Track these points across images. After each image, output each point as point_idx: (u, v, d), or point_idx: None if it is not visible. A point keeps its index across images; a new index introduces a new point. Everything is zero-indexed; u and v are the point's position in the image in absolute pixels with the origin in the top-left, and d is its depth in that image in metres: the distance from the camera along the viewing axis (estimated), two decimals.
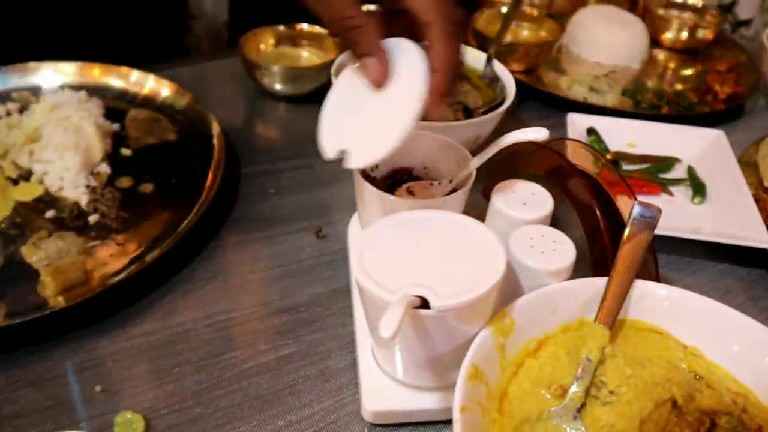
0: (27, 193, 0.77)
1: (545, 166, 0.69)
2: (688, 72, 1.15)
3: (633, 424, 0.50)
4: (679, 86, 1.10)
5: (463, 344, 0.51)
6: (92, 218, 0.74)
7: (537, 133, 0.58)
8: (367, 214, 0.65)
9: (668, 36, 1.18)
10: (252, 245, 0.73)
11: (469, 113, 0.80)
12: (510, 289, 0.58)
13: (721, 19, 1.21)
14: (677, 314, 0.57)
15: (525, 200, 0.63)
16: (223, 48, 2.05)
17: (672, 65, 1.17)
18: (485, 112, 0.80)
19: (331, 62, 0.89)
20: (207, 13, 2.10)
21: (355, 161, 0.55)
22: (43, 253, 0.65)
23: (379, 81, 0.55)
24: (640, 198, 0.76)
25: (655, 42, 1.19)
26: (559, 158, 0.67)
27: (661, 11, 1.23)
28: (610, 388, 0.52)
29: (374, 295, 0.47)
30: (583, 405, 0.51)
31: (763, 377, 0.53)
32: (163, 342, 0.62)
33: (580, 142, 0.71)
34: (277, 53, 1.03)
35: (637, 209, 0.59)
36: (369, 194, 0.61)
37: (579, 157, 0.71)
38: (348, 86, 0.60)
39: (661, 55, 1.19)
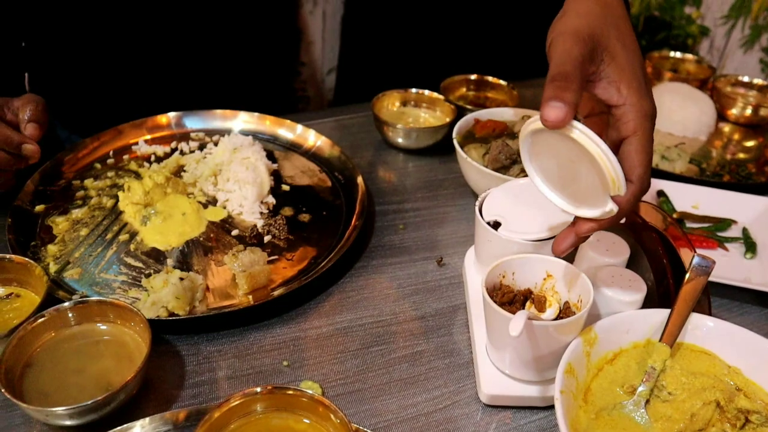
0: (216, 215, 1.01)
1: (627, 222, 0.88)
2: (749, 144, 1.32)
3: (685, 416, 0.68)
4: (740, 155, 1.27)
5: (559, 350, 0.70)
6: (267, 238, 0.97)
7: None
8: (481, 250, 0.86)
9: (733, 112, 1.36)
10: (387, 268, 0.95)
11: None
12: (596, 312, 0.78)
13: None
14: (723, 342, 0.75)
15: (608, 248, 0.83)
16: (325, 94, 2.30)
17: (736, 137, 1.34)
18: None
19: (446, 124, 1.11)
20: (315, 61, 2.37)
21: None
22: (240, 262, 0.88)
23: (556, 123, 0.58)
24: (699, 251, 0.95)
25: (721, 116, 1.36)
26: (635, 216, 0.86)
27: (728, 89, 1.41)
28: (669, 390, 0.71)
29: (501, 314, 0.67)
30: (648, 401, 0.70)
31: None
32: (328, 334, 0.84)
33: (652, 204, 0.89)
34: (400, 112, 1.26)
35: (696, 259, 0.78)
36: (484, 233, 0.82)
37: (650, 215, 0.90)
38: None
39: (726, 128, 1.37)
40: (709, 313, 0.79)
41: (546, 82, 0.60)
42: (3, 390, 0.66)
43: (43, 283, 0.80)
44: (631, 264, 0.84)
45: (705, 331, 0.75)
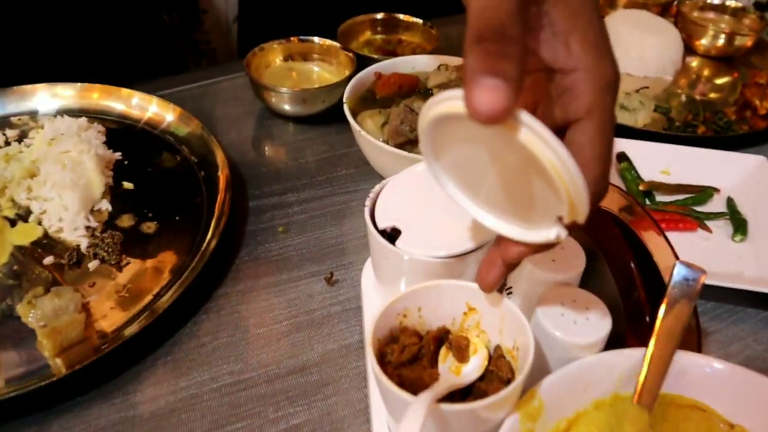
0: (25, 235, 0.74)
1: None
2: (722, 81, 1.08)
3: None
4: (712, 95, 1.03)
5: (490, 430, 0.47)
6: (92, 265, 0.70)
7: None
8: (378, 269, 0.61)
9: (703, 43, 1.11)
10: (259, 294, 0.69)
11: None
12: (538, 360, 0.53)
13: (761, 25, 1.13)
14: (722, 389, 0.52)
15: (554, 255, 0.58)
16: (233, 47, 2.00)
17: (706, 73, 1.10)
18: None
19: (342, 81, 0.84)
20: (218, 7, 2.05)
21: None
22: (40, 312, 0.61)
23: (492, 115, 0.32)
24: (677, 236, 0.71)
25: (688, 48, 1.12)
26: None
27: (695, 14, 1.16)
28: None
29: (396, 395, 0.42)
30: None
31: None
32: (167, 410, 0.58)
33: (613, 185, 0.65)
34: (286, 69, 0.98)
35: (679, 271, 0.54)
36: (379, 247, 0.56)
37: (607, 199, 0.66)
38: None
39: (694, 62, 1.12)
40: (699, 347, 0.56)
41: (467, 41, 0.34)
42: None
43: None
44: (588, 275, 0.60)
45: (696, 376, 0.52)
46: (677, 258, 0.57)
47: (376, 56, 0.93)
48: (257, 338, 0.65)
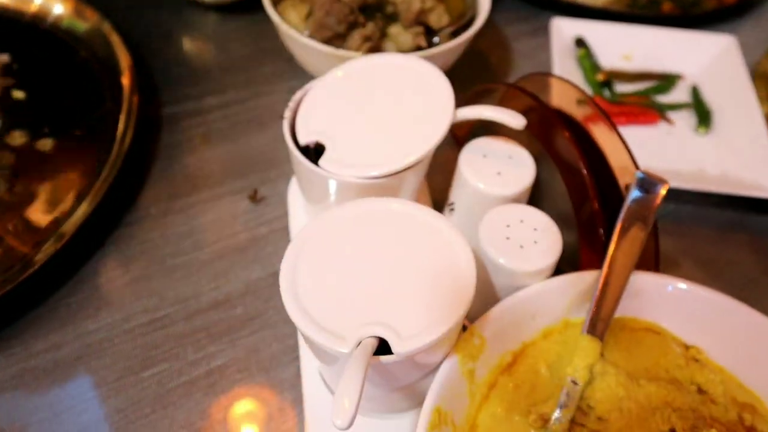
0: None
1: (520, 110, 0.56)
2: None
3: None
4: None
5: (428, 372, 0.42)
6: None
7: (512, 119, 0.45)
8: (304, 189, 0.53)
9: None
10: (176, 217, 0.61)
11: (432, 36, 0.65)
12: (481, 289, 0.48)
13: None
14: (679, 310, 0.48)
15: (500, 168, 0.52)
16: None
17: None
18: (454, 34, 0.65)
19: None
20: None
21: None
22: None
23: None
24: (636, 131, 0.66)
25: None
26: (535, 102, 0.54)
27: None
28: (598, 414, 0.44)
29: (323, 346, 0.36)
30: None
31: None
32: (73, 358, 0.52)
33: (560, 78, 0.57)
34: None
35: (636, 184, 0.48)
36: (301, 168, 0.49)
37: (562, 96, 0.59)
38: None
39: None
40: (656, 265, 0.51)
41: None
42: None
43: None
44: (538, 187, 0.54)
45: (652, 296, 0.48)
46: (633, 160, 0.51)
47: None
48: (174, 269, 0.58)
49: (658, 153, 0.67)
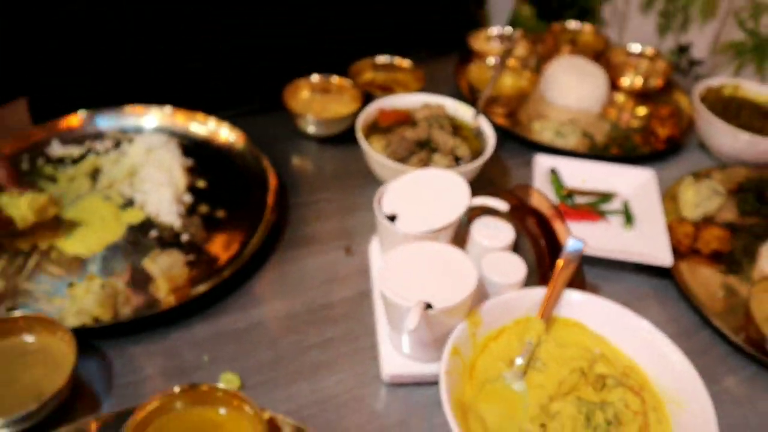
0: (134, 217, 1.06)
1: (510, 205, 0.97)
2: (641, 112, 1.43)
3: (555, 383, 0.78)
4: (634, 123, 1.37)
5: (449, 332, 0.80)
6: (184, 238, 1.02)
7: (499, 205, 0.86)
8: (382, 241, 0.94)
9: (625, 82, 1.46)
10: (299, 261, 1.02)
11: (459, 161, 1.08)
12: (482, 294, 0.87)
13: (669, 69, 1.48)
14: (591, 313, 0.85)
15: (494, 234, 0.92)
16: None
17: (629, 107, 1.44)
18: (472, 160, 1.08)
19: (352, 113, 1.16)
20: None
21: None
22: (158, 265, 0.93)
23: None
24: (585, 225, 1.05)
25: (615, 86, 1.46)
26: (518, 200, 0.95)
27: (621, 59, 1.50)
28: (542, 361, 0.81)
29: (396, 303, 0.75)
30: (525, 372, 0.80)
31: (643, 354, 0.81)
32: (246, 328, 0.91)
33: (538, 191, 0.98)
34: (311, 100, 1.30)
35: (570, 242, 0.87)
36: (383, 226, 0.90)
37: (537, 200, 1.00)
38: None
39: (620, 97, 1.46)
40: (583, 287, 0.89)
41: None
42: None
43: None
44: (515, 247, 0.93)
45: (576, 304, 0.85)
46: (571, 234, 0.91)
47: (378, 92, 1.26)
48: (300, 287, 0.97)
49: (600, 240, 1.07)
